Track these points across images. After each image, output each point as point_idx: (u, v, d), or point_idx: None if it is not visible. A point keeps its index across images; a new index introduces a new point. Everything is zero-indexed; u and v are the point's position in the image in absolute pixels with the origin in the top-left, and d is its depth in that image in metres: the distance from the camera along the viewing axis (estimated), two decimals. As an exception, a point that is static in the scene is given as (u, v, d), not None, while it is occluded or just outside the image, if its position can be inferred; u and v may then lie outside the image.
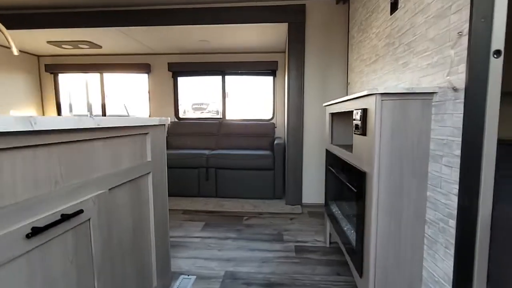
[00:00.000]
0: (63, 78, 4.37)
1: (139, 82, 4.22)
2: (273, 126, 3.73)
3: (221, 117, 4.02)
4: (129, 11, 2.83)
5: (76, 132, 0.75)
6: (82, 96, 7.77)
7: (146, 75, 4.03)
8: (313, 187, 2.85)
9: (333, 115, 1.88)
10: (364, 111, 1.17)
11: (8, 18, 2.92)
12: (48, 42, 3.40)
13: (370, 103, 1.12)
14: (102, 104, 4.34)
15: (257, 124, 3.71)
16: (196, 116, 15.14)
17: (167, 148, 3.63)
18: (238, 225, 2.34)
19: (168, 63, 3.86)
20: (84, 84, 4.21)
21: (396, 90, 1.06)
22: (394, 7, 1.52)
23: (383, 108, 1.07)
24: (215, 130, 3.74)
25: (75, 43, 3.45)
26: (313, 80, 2.74)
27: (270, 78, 3.88)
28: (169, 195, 3.15)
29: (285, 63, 3.59)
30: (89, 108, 4.18)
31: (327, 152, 1.93)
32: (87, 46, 3.56)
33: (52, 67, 4.07)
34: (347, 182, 1.41)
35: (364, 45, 2.00)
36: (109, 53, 3.97)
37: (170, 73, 3.95)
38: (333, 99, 2.63)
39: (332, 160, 1.79)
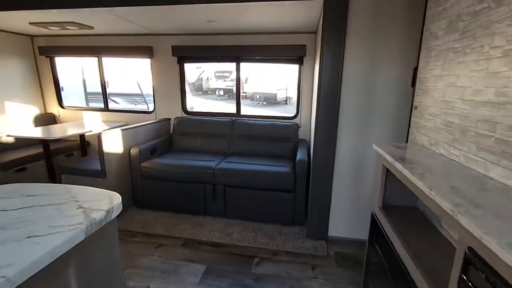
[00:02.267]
0: (60, 61, 3.91)
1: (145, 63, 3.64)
2: (297, 128, 3.06)
3: (235, 112, 3.40)
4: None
5: None
6: (79, 83, 7.33)
7: (148, 60, 3.42)
8: (344, 216, 2.27)
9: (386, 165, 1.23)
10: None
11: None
12: (30, 23, 2.87)
13: None
14: (102, 91, 3.87)
15: (277, 125, 3.06)
16: (218, 86, 14.37)
17: (171, 149, 3.17)
18: (246, 275, 1.88)
19: (172, 46, 3.20)
20: (81, 70, 3.73)
21: None
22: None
23: None
24: (228, 130, 3.16)
25: (61, 24, 2.88)
26: (355, 74, 1.99)
27: (296, 66, 3.11)
28: (174, 211, 2.79)
29: (316, 47, 2.79)
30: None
31: (375, 221, 1.31)
32: (76, 27, 2.98)
33: (47, 50, 3.58)
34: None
35: (467, 59, 1.12)
36: (105, 33, 3.37)
37: (175, 59, 3.31)
38: (383, 109, 1.92)
39: (383, 242, 1.18)
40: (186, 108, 3.52)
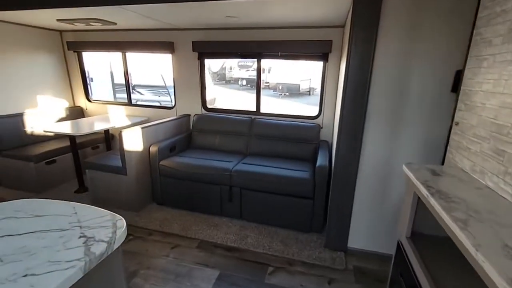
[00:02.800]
0: (89, 55, 4.03)
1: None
2: (318, 129, 2.91)
3: (255, 109, 3.30)
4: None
5: None
6: (108, 74, 7.51)
7: (169, 55, 3.40)
8: (366, 227, 2.13)
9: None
10: None
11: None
12: (58, 20, 2.93)
13: None
14: (126, 86, 3.94)
15: (297, 125, 2.93)
16: (241, 76, 14.28)
17: (190, 146, 3.17)
18: (259, 284, 1.83)
19: (192, 42, 3.14)
20: (109, 64, 3.80)
21: None
22: None
23: None
24: (246, 129, 3.08)
25: (86, 21, 2.91)
26: (386, 75, 1.80)
27: (320, 63, 2.93)
28: (192, 210, 2.80)
29: (343, 42, 2.59)
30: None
31: (401, 252, 1.18)
32: (100, 24, 3.01)
33: (74, 45, 3.68)
34: None
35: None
36: (128, 29, 3.38)
37: (196, 54, 3.25)
38: (416, 116, 1.73)
39: (409, 277, 1.06)
40: (206, 104, 3.48)
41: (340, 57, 2.74)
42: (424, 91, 1.75)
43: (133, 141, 2.58)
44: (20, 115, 3.29)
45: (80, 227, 0.80)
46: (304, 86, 11.77)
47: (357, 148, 1.95)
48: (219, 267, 1.98)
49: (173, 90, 3.56)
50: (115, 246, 0.76)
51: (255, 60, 3.17)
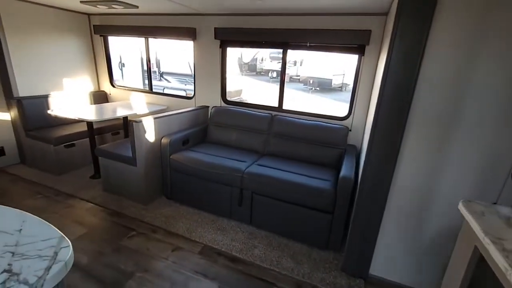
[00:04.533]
0: (119, 42, 3.99)
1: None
2: (346, 132, 2.56)
3: (277, 105, 3.02)
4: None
5: None
6: (134, 60, 7.55)
7: (191, 42, 3.22)
8: (394, 254, 1.80)
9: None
10: None
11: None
12: (81, 2, 2.86)
13: None
14: (147, 72, 3.86)
15: (322, 126, 2.60)
16: (272, 67, 13.95)
17: (204, 140, 2.99)
18: (261, 308, 1.61)
19: (214, 28, 2.92)
20: (139, 50, 3.73)
21: None
22: None
23: None
24: (265, 126, 2.82)
25: (108, 3, 2.81)
26: (439, 73, 1.43)
27: (355, 56, 2.55)
28: (199, 208, 2.62)
29: (384, 33, 2.20)
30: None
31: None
32: (122, 6, 2.89)
33: (101, 28, 3.64)
34: None
35: None
36: (151, 13, 3.25)
37: (218, 42, 3.03)
38: (476, 129, 1.37)
39: None
40: (225, 96, 3.27)
41: (379, 51, 2.34)
42: (492, 99, 1.36)
43: (145, 131, 2.45)
44: (46, 97, 3.34)
45: (13, 254, 0.63)
46: (336, 81, 11.11)
47: (391, 163, 1.61)
48: (219, 280, 1.79)
49: (193, 79, 3.39)
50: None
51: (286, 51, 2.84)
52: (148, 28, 3.32)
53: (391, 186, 1.65)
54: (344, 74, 11.43)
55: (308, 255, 2.07)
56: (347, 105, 2.69)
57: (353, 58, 2.58)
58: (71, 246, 0.68)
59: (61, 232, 0.72)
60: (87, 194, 2.74)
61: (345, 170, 2.01)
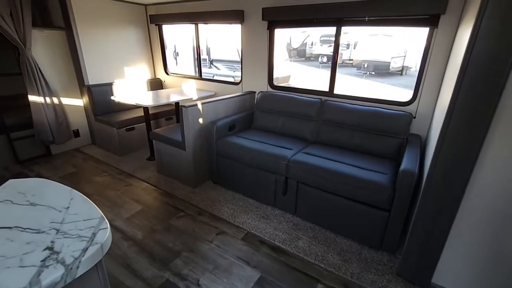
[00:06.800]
0: (173, 30, 4.15)
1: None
2: (410, 119, 2.23)
3: (328, 89, 2.78)
4: None
5: None
6: (187, 49, 7.76)
7: (239, 26, 3.14)
8: (468, 263, 1.52)
9: None
10: None
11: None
12: (137, -8, 3.00)
13: None
14: (197, 59, 3.94)
15: (379, 112, 2.30)
16: (322, 52, 13.25)
17: (251, 126, 2.94)
18: (303, 303, 1.52)
19: (262, 9, 2.78)
20: (191, 39, 3.83)
21: None
22: None
23: None
24: (314, 112, 2.63)
25: (160, -9, 2.89)
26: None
27: (424, 31, 2.16)
28: (244, 194, 2.62)
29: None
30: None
31: None
32: (173, -7, 2.94)
33: (156, 18, 3.81)
34: None
35: None
36: (201, -2, 3.25)
37: (265, 24, 2.89)
38: None
39: None
40: (272, 81, 3.15)
41: (459, 21, 1.93)
42: None
43: (194, 117, 2.51)
44: (110, 84, 3.66)
45: (58, 231, 0.64)
46: (395, 65, 9.95)
47: (472, 154, 1.31)
48: (261, 269, 1.75)
49: (240, 64, 3.34)
50: (79, 272, 0.57)
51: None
52: (197, 14, 3.35)
53: (467, 186, 1.36)
54: (405, 56, 10.17)
55: (358, 253, 1.89)
56: (408, 91, 2.32)
57: (421, 34, 2.19)
58: (109, 229, 0.67)
59: (101, 213, 0.73)
60: (143, 174, 2.97)
61: (407, 163, 1.74)
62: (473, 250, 1.47)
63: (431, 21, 2.07)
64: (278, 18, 2.73)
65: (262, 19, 2.82)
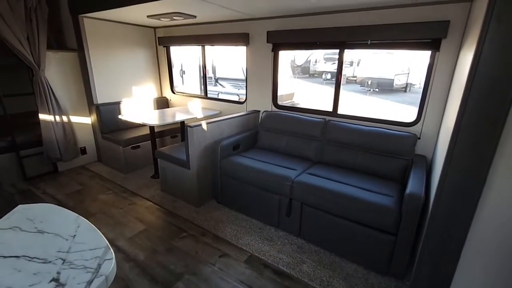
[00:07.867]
0: (179, 51, 4.30)
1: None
2: (414, 140, 2.23)
3: (332, 109, 2.82)
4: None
5: None
6: (194, 68, 7.96)
7: (244, 48, 3.24)
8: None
9: None
10: None
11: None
12: (148, 16, 3.14)
13: None
14: (203, 79, 4.03)
15: (384, 133, 2.31)
16: (326, 69, 13.46)
17: (255, 146, 2.96)
18: (309, 333, 1.47)
19: (267, 32, 2.88)
20: (198, 58, 3.95)
21: None
22: None
23: None
24: (318, 132, 2.65)
25: (169, 15, 3.02)
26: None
27: (426, 53, 2.20)
28: (248, 215, 2.59)
29: (468, 23, 1.84)
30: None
31: None
32: (181, 18, 3.07)
33: (164, 40, 3.96)
34: None
35: None
36: (207, 22, 3.39)
37: (270, 46, 2.98)
38: None
39: None
40: (277, 101, 3.20)
41: (461, 44, 1.97)
42: None
43: (198, 136, 2.54)
44: (118, 103, 3.76)
45: (64, 260, 0.65)
46: (399, 82, 10.04)
47: (479, 181, 1.30)
48: (264, 294, 1.71)
49: (245, 84, 3.42)
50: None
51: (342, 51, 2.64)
52: (204, 36, 3.47)
53: (476, 210, 1.34)
54: (408, 73, 10.29)
55: (365, 279, 1.83)
56: (413, 108, 2.34)
57: (422, 55, 2.23)
58: (114, 259, 0.68)
59: (107, 242, 0.74)
60: (147, 192, 2.97)
61: (413, 186, 1.73)
62: (486, 276, 1.41)
63: (433, 45, 2.12)
64: (282, 41, 2.82)
65: (267, 42, 2.91)
